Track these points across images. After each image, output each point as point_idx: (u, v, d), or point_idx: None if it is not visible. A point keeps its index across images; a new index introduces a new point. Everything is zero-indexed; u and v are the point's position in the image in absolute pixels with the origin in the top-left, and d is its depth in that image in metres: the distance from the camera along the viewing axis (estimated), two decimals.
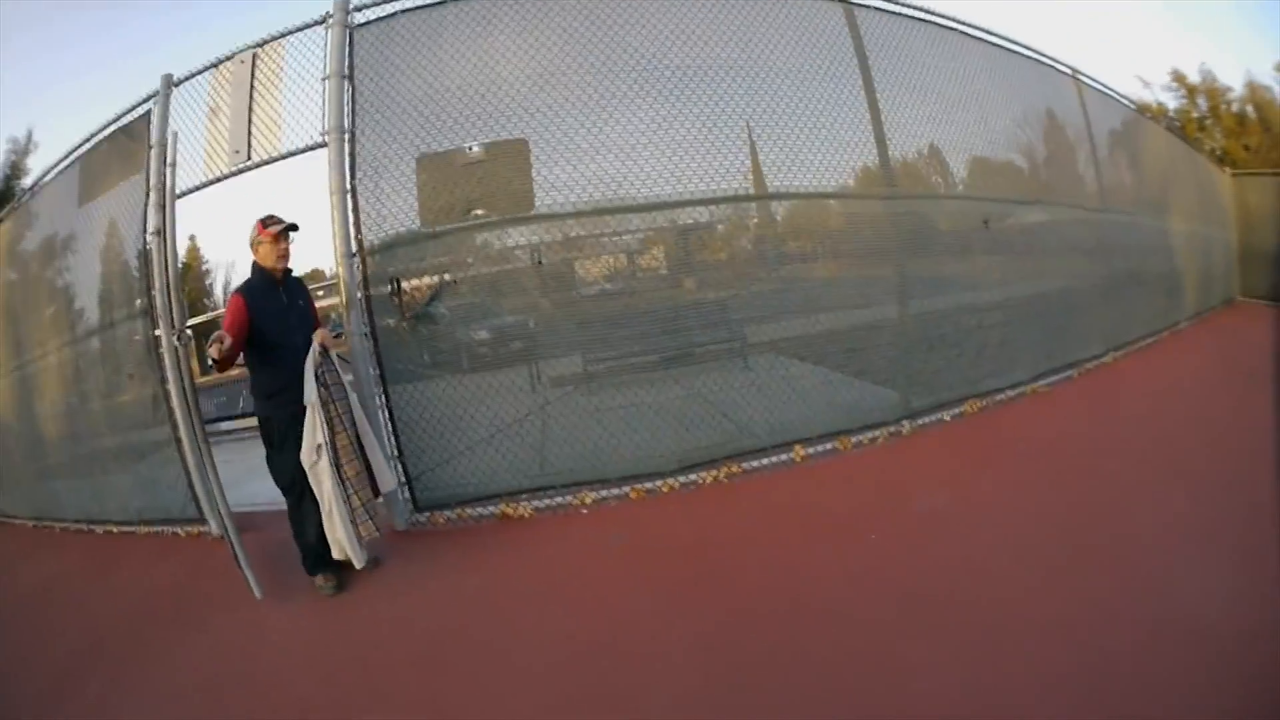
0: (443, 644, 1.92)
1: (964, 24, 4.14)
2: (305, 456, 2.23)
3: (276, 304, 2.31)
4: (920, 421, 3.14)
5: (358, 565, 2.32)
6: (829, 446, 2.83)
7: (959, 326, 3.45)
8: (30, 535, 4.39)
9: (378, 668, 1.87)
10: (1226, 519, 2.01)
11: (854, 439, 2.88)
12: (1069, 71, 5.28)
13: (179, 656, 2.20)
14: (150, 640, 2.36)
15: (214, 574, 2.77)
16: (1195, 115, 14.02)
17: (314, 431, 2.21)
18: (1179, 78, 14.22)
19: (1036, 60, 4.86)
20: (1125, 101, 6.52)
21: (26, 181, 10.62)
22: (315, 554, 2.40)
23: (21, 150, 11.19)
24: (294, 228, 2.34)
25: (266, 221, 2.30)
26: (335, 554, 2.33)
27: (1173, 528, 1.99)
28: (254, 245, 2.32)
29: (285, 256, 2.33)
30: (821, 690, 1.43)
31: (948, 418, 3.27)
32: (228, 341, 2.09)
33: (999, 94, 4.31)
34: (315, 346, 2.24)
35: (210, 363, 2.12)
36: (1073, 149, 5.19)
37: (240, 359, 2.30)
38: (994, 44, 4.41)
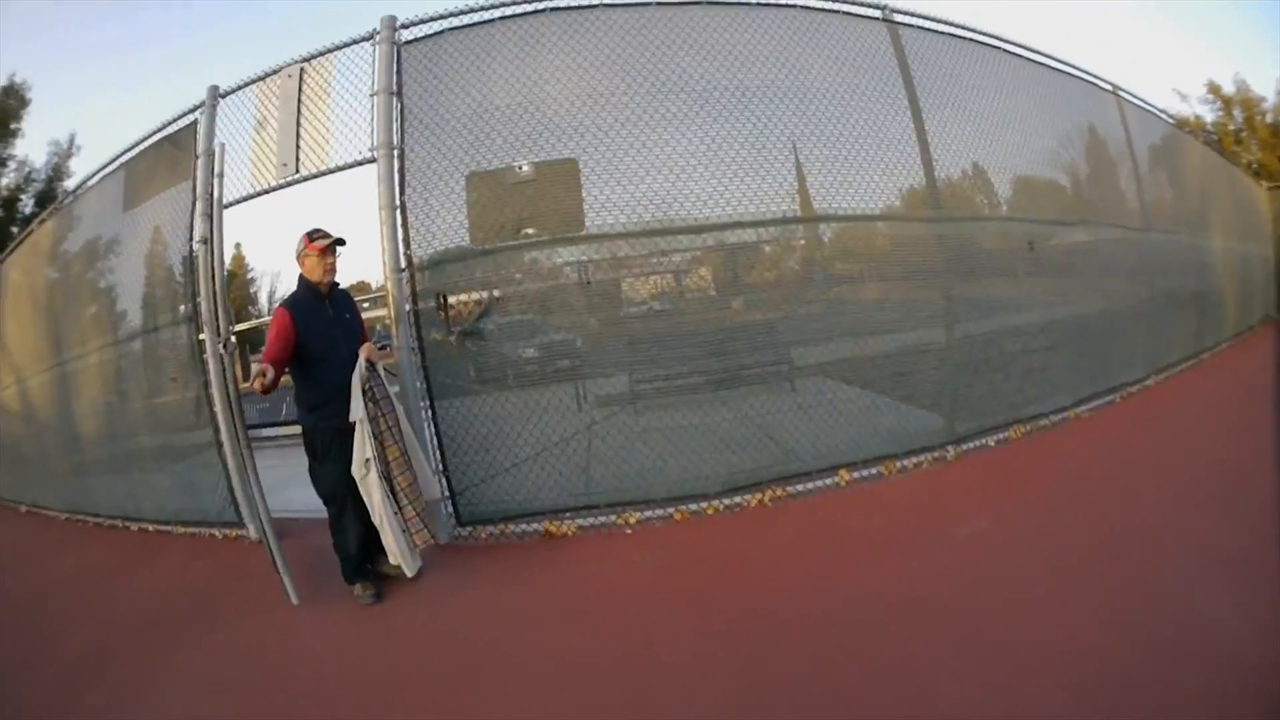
0: (476, 657, 1.92)
1: (1007, 41, 4.08)
2: (355, 470, 2.24)
3: (322, 318, 2.32)
4: (965, 447, 3.08)
5: (410, 573, 2.34)
6: (874, 471, 2.78)
7: (1003, 350, 3.38)
8: (62, 527, 4.47)
9: (409, 678, 1.87)
10: (1265, 549, 1.95)
11: (899, 463, 2.83)
12: (1110, 88, 5.18)
13: (207, 653, 2.22)
14: (179, 636, 2.39)
15: (249, 577, 2.80)
16: (1232, 128, 13.72)
17: (363, 446, 2.22)
18: (1214, 89, 13.93)
19: (1078, 77, 4.78)
20: (1164, 117, 6.39)
21: (69, 183, 11.00)
22: (354, 563, 2.40)
23: (64, 153, 11.52)
24: (341, 242, 2.34)
25: (313, 235, 2.31)
26: (391, 561, 2.34)
27: (1211, 558, 1.94)
28: (300, 258, 2.33)
29: (332, 271, 2.33)
30: (849, 711, 1.42)
31: (992, 443, 3.20)
32: (270, 375, 2.12)
33: (1042, 112, 4.23)
34: (362, 362, 2.24)
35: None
36: (1114, 166, 5.08)
37: (285, 370, 2.34)
38: (1037, 61, 4.34)
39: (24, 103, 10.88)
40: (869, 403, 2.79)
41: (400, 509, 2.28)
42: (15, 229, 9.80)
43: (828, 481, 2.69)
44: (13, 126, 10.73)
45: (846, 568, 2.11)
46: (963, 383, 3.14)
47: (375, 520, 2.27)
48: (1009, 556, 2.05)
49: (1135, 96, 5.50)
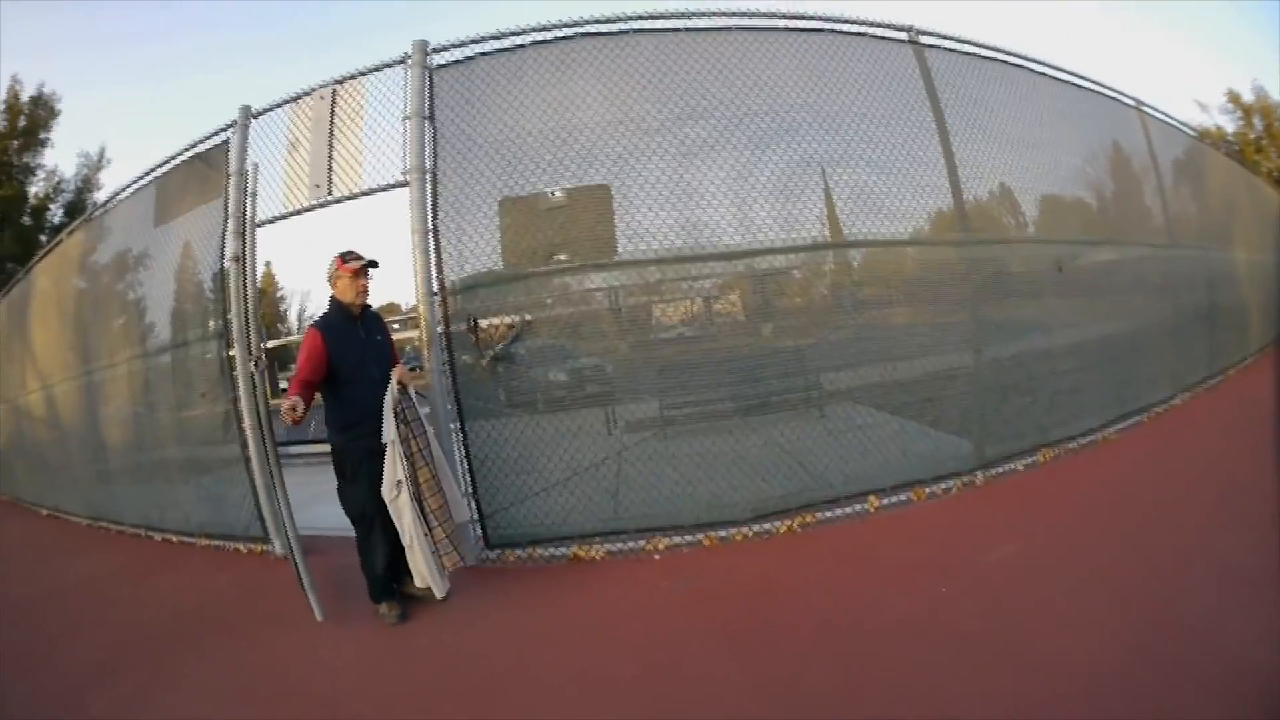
0: (502, 678, 1.91)
1: (1030, 60, 4.06)
2: (386, 492, 2.25)
3: (354, 339, 2.34)
4: (993, 471, 3.05)
5: (439, 595, 2.34)
6: (903, 497, 2.75)
7: (1032, 373, 3.34)
8: (83, 532, 4.54)
9: (433, 697, 1.86)
10: None
11: (928, 489, 2.80)
12: (1133, 103, 5.15)
13: (228, 664, 2.23)
14: (201, 643, 2.41)
15: (273, 591, 2.82)
16: (1252, 136, 13.54)
17: (394, 467, 2.23)
18: (1234, 98, 13.77)
19: (1101, 94, 4.76)
20: (1187, 130, 6.34)
21: (99, 195, 11.23)
22: (381, 583, 2.41)
23: (94, 165, 11.76)
24: (373, 264, 2.35)
25: (346, 257, 2.32)
26: (417, 583, 2.34)
27: (1238, 579, 1.91)
28: (332, 280, 2.34)
29: (364, 293, 2.35)
30: None
31: (1020, 467, 3.17)
32: (300, 408, 2.14)
33: (1067, 130, 4.21)
34: (393, 383, 2.26)
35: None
36: (1139, 182, 5.04)
37: (315, 393, 2.35)
38: (1060, 79, 4.32)
39: (53, 113, 11.14)
40: (898, 428, 2.76)
41: (430, 530, 2.28)
42: (43, 237, 10.02)
43: (857, 508, 2.66)
44: (42, 136, 10.98)
45: (874, 593, 2.10)
46: (991, 406, 3.11)
47: (405, 542, 2.28)
48: (1035, 581, 2.04)
49: (1158, 110, 5.46)
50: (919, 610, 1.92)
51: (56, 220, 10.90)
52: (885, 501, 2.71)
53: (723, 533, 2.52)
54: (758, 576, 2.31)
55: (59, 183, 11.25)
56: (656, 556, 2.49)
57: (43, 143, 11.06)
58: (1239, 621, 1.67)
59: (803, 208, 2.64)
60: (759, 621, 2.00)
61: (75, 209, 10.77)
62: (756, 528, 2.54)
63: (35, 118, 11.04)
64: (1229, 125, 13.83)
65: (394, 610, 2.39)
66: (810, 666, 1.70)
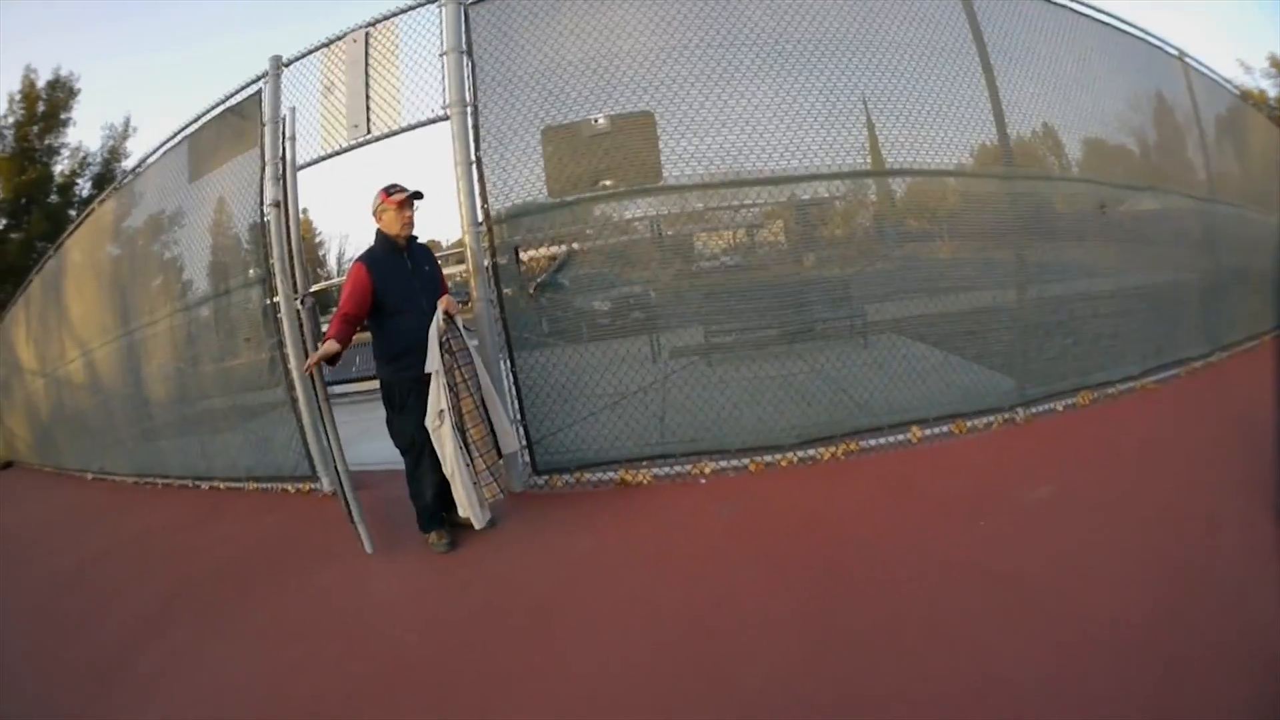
0: (550, 602, 1.95)
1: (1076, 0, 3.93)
2: (429, 421, 2.27)
3: (400, 270, 2.34)
4: (1034, 410, 3.01)
5: (478, 526, 2.35)
6: (945, 429, 2.73)
7: (1074, 314, 3.29)
8: (130, 491, 4.63)
9: (483, 622, 1.90)
10: None
11: (969, 423, 2.78)
12: (1176, 53, 4.97)
13: (279, 604, 2.26)
14: (250, 586, 2.45)
15: (323, 528, 2.87)
16: None
17: (438, 397, 2.25)
18: (1277, 63, 13.22)
19: (1144, 40, 4.60)
20: (1230, 87, 6.11)
21: (127, 163, 11.34)
22: (430, 512, 2.45)
23: (120, 135, 11.89)
24: (419, 195, 2.35)
25: (390, 190, 2.32)
26: (460, 513, 2.37)
27: (1268, 543, 1.83)
28: (377, 213, 2.35)
29: (409, 224, 2.35)
30: (908, 671, 1.42)
31: (1060, 408, 3.12)
32: (334, 348, 2.22)
33: (1111, 74, 4.09)
34: (440, 314, 2.27)
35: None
36: (1182, 135, 4.89)
37: (357, 329, 2.38)
38: (1105, 22, 4.18)
39: (72, 94, 11.25)
40: (941, 359, 2.74)
41: (471, 461, 2.30)
42: (72, 212, 10.17)
43: (900, 437, 2.65)
44: (63, 117, 11.10)
45: (915, 527, 2.10)
46: (1033, 345, 3.06)
47: (447, 471, 2.30)
48: (1070, 524, 2.02)
49: (1201, 64, 5.27)
50: (957, 547, 1.92)
51: (85, 193, 11.05)
52: (928, 432, 2.70)
53: (768, 458, 2.52)
54: (802, 504, 2.32)
55: (84, 158, 11.40)
56: (703, 481, 2.51)
57: (64, 123, 11.18)
58: (1258, 580, 1.62)
59: (846, 135, 2.60)
60: (802, 551, 2.01)
61: (104, 180, 10.91)
62: (802, 454, 2.55)
63: (54, 100, 11.16)
64: (1271, 90, 13.30)
65: (443, 539, 2.43)
66: (851, 600, 1.71)
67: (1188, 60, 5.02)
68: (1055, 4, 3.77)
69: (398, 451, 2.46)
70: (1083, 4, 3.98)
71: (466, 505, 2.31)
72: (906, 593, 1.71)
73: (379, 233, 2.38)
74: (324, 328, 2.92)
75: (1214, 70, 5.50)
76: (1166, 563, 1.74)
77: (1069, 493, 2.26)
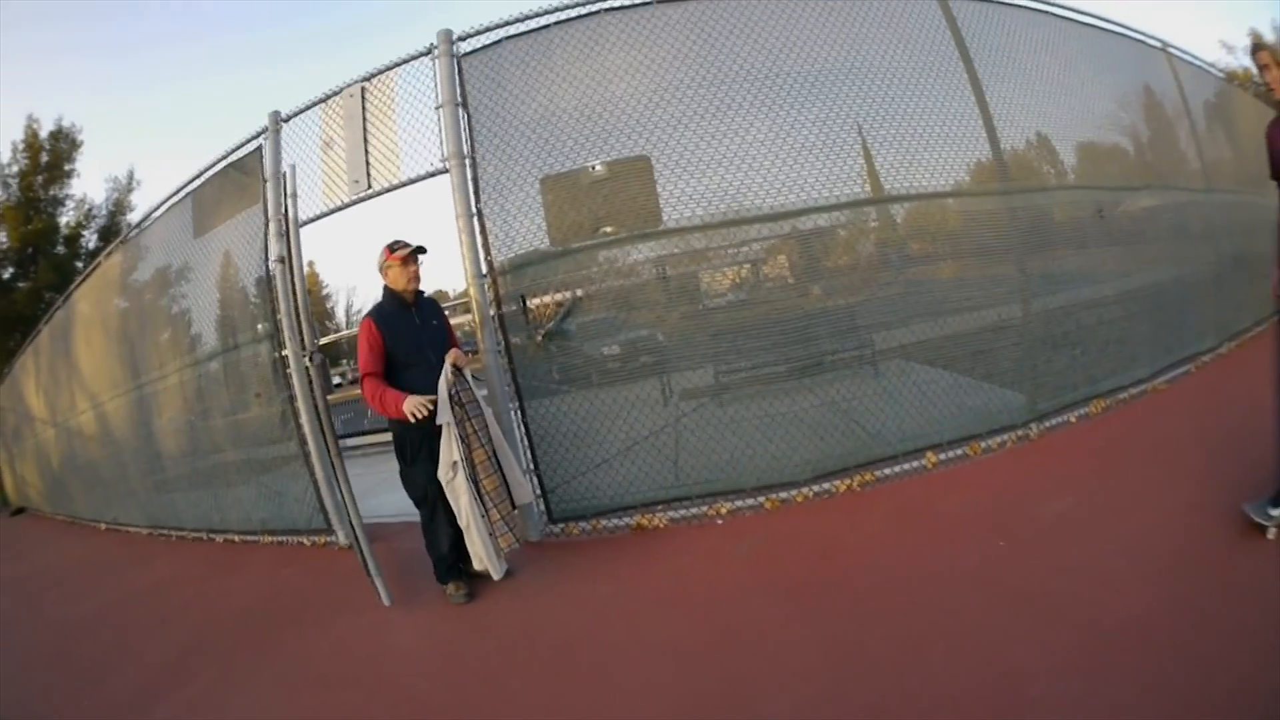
0: (572, 649, 1.94)
1: (1054, 4, 3.97)
2: (442, 474, 2.29)
3: (408, 325, 2.38)
4: (1047, 424, 3.00)
5: (496, 576, 2.36)
6: (959, 452, 2.73)
7: (1080, 324, 3.28)
8: (144, 542, 4.65)
9: (503, 673, 1.88)
10: None
11: (983, 444, 2.77)
12: (1159, 44, 4.99)
13: (297, 655, 2.26)
14: (268, 637, 2.45)
15: (340, 580, 2.87)
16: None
17: (450, 449, 2.26)
18: (1258, 40, 13.23)
19: (1127, 36, 4.63)
20: (1215, 71, 6.13)
21: (131, 216, 11.49)
22: (447, 564, 2.45)
23: (124, 188, 12.07)
24: (422, 250, 2.39)
25: (394, 247, 2.36)
26: (476, 566, 2.38)
27: None
28: (383, 270, 2.39)
29: (415, 279, 2.39)
30: (934, 694, 1.41)
31: (1073, 419, 3.12)
32: (420, 406, 2.23)
33: (1098, 75, 4.11)
34: (448, 366, 2.29)
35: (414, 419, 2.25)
36: (1172, 127, 4.90)
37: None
38: (1086, 23, 4.21)
39: (75, 145, 11.43)
40: (951, 383, 2.74)
41: (486, 512, 2.31)
42: (79, 264, 10.30)
43: (915, 464, 2.65)
44: (66, 168, 11.27)
45: (934, 550, 2.09)
46: (1042, 358, 3.06)
47: (462, 523, 2.31)
48: (1090, 536, 2.01)
49: (1184, 52, 5.29)
50: (978, 567, 1.91)
51: (91, 245, 11.20)
52: (943, 456, 2.69)
53: (783, 494, 2.52)
54: (820, 537, 2.31)
55: (89, 210, 11.55)
56: (719, 521, 2.50)
57: (68, 174, 11.35)
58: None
59: (843, 165, 2.62)
60: (823, 582, 2.00)
61: (109, 233, 11.05)
62: (816, 488, 2.54)
63: (58, 151, 11.33)
64: (1255, 67, 13.29)
65: (461, 589, 2.43)
66: (875, 627, 1.70)
67: (1171, 51, 5.04)
68: (1036, 10, 3.80)
69: (412, 503, 2.47)
70: (1062, 6, 4.02)
71: (483, 557, 2.32)
72: (929, 616, 1.70)
73: (386, 289, 2.41)
74: (335, 380, 2.93)
75: (1197, 57, 5.53)
76: (1192, 565, 1.73)
77: (1088, 503, 2.25)
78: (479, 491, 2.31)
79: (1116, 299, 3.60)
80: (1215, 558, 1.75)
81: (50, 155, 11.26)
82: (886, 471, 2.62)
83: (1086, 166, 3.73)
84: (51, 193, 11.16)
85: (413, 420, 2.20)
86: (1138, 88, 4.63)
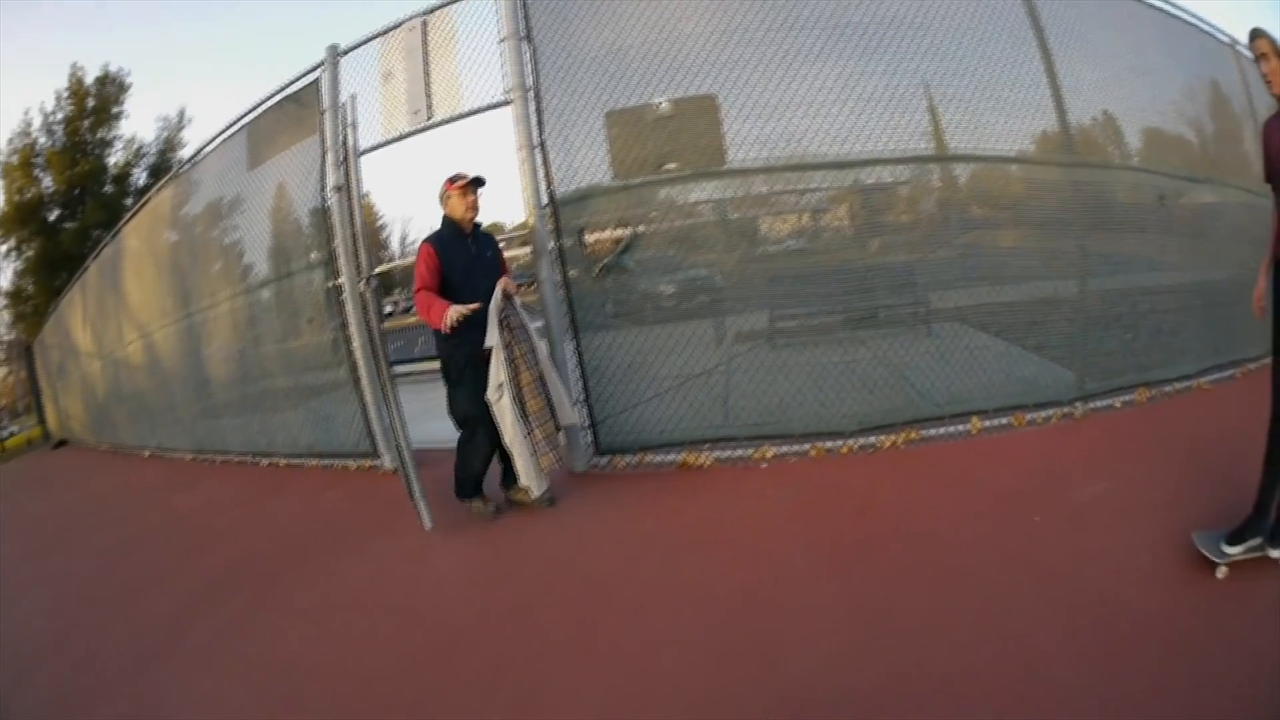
0: (606, 586, 1.95)
1: None
2: (490, 394, 2.34)
3: (464, 253, 2.43)
4: (1092, 405, 2.95)
5: (536, 493, 2.42)
6: (1004, 421, 2.70)
7: (1134, 309, 3.21)
8: (189, 467, 4.75)
9: (537, 604, 1.90)
10: None
11: (1028, 416, 2.74)
12: (1228, 40, 4.81)
13: (334, 578, 2.29)
14: (306, 561, 2.49)
15: (382, 504, 2.93)
16: None
17: (498, 371, 2.32)
18: (1257, 27, 12.66)
19: (1197, 27, 4.46)
20: None
21: (183, 154, 11.66)
22: (475, 480, 2.53)
23: (175, 126, 12.32)
24: (480, 181, 2.44)
25: (454, 178, 2.42)
26: (521, 481, 2.43)
27: None
28: (443, 200, 2.45)
29: (474, 208, 2.44)
30: (955, 665, 1.41)
31: (1118, 404, 3.06)
32: (453, 312, 2.28)
33: (1166, 62, 3.97)
34: (498, 292, 2.34)
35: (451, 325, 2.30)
36: (1238, 125, 4.72)
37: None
38: (1158, 8, 4.07)
39: (123, 88, 11.67)
40: (1002, 350, 2.71)
41: (530, 432, 2.37)
42: (129, 201, 10.53)
43: (960, 428, 2.63)
44: (114, 110, 11.51)
45: (971, 520, 2.07)
46: (1094, 338, 3.01)
47: (508, 442, 2.37)
48: (1122, 525, 1.97)
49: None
50: (1013, 541, 1.90)
51: (141, 183, 11.45)
52: (988, 424, 2.66)
53: (829, 444, 2.52)
54: (860, 492, 2.31)
55: (139, 149, 11.82)
56: (763, 465, 2.52)
57: (116, 116, 11.59)
58: None
59: (909, 119, 2.58)
60: (859, 540, 2.00)
61: (160, 170, 11.29)
62: (862, 440, 2.54)
63: (104, 95, 11.57)
64: None
65: (489, 504, 2.51)
66: (904, 591, 1.70)
67: (1239, 49, 4.86)
68: None
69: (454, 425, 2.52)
70: None
71: (526, 473, 2.38)
72: (959, 586, 1.70)
73: (445, 218, 2.46)
74: (387, 309, 2.99)
75: None
76: (1210, 575, 1.66)
77: (1123, 492, 2.21)
78: (524, 411, 2.36)
79: (1171, 290, 3.50)
80: (1245, 562, 1.67)
81: (97, 100, 11.52)
82: (931, 432, 2.61)
83: (1151, 152, 3.62)
84: (99, 135, 11.42)
85: (448, 331, 2.26)
86: (1204, 81, 4.47)
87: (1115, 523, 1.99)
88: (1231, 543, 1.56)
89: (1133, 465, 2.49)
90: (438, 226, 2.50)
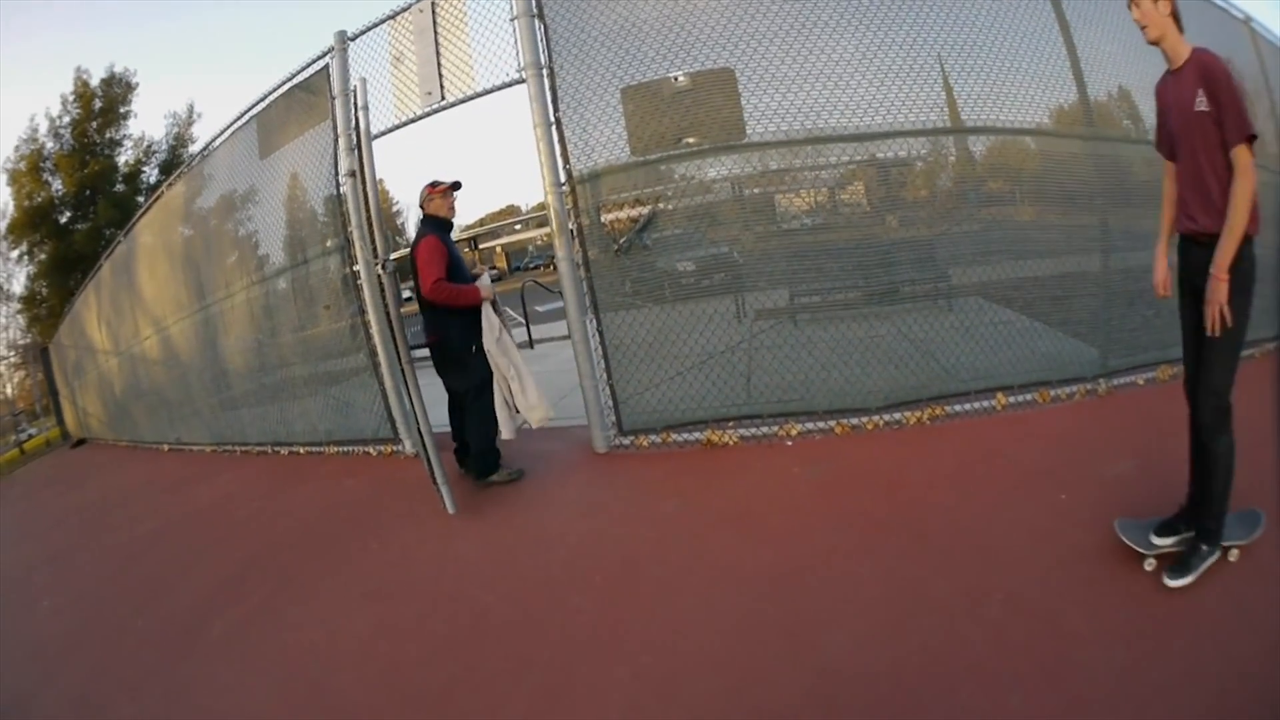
0: (633, 568, 1.94)
1: None
2: (487, 341, 2.51)
3: (453, 246, 2.67)
4: (1115, 381, 2.92)
5: (549, 413, 2.57)
6: (1029, 397, 2.67)
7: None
8: (208, 459, 4.75)
9: (565, 587, 1.89)
10: None
11: (1053, 392, 2.71)
12: (1243, 17, 4.73)
13: (358, 565, 2.28)
14: (329, 549, 2.48)
15: (405, 489, 2.92)
16: None
17: (490, 321, 2.51)
18: None
19: (1211, 2, 4.39)
20: None
21: (194, 149, 11.69)
22: (496, 451, 2.69)
23: (185, 122, 12.35)
24: (459, 185, 2.67)
25: (435, 183, 2.65)
26: (532, 401, 2.55)
27: None
28: (425, 202, 2.65)
29: (452, 210, 2.69)
30: (987, 644, 1.40)
31: (1141, 382, 3.03)
32: (487, 285, 2.61)
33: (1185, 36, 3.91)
34: (485, 276, 2.59)
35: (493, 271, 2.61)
36: (1253, 103, 4.65)
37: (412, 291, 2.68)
38: None
39: (130, 88, 11.70)
40: (1025, 326, 2.67)
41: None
42: (140, 199, 10.56)
43: (985, 404, 2.60)
44: (122, 110, 11.55)
45: (999, 495, 2.06)
46: (1117, 314, 2.97)
47: (509, 376, 2.52)
48: (1148, 502, 1.92)
49: (1267, 28, 5.02)
50: (1040, 518, 1.88)
51: (152, 180, 11.49)
52: (1013, 400, 2.64)
53: (854, 420, 2.50)
54: (888, 469, 2.30)
55: (149, 146, 11.86)
56: (789, 443, 2.50)
57: (124, 116, 11.64)
58: None
59: (926, 91, 2.55)
60: (887, 516, 1.99)
61: (170, 166, 11.33)
62: (888, 417, 2.52)
63: (111, 96, 11.61)
64: None
65: (514, 468, 2.67)
66: (934, 568, 1.69)
67: (1254, 26, 4.79)
68: None
69: (472, 394, 2.63)
70: None
71: (533, 394, 2.51)
72: (989, 564, 1.68)
73: (431, 217, 2.64)
74: (405, 294, 3.02)
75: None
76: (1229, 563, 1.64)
77: (1148, 471, 2.17)
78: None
79: None
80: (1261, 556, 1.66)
81: (104, 101, 11.55)
82: (957, 408, 2.58)
83: None
84: (108, 136, 11.46)
85: (491, 296, 2.53)
86: (1222, 58, 4.41)
87: (1140, 501, 1.95)
88: (1163, 534, 1.57)
89: (1155, 443, 2.44)
90: (422, 226, 2.70)
